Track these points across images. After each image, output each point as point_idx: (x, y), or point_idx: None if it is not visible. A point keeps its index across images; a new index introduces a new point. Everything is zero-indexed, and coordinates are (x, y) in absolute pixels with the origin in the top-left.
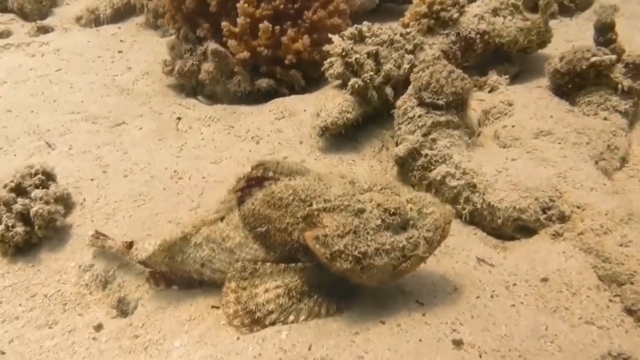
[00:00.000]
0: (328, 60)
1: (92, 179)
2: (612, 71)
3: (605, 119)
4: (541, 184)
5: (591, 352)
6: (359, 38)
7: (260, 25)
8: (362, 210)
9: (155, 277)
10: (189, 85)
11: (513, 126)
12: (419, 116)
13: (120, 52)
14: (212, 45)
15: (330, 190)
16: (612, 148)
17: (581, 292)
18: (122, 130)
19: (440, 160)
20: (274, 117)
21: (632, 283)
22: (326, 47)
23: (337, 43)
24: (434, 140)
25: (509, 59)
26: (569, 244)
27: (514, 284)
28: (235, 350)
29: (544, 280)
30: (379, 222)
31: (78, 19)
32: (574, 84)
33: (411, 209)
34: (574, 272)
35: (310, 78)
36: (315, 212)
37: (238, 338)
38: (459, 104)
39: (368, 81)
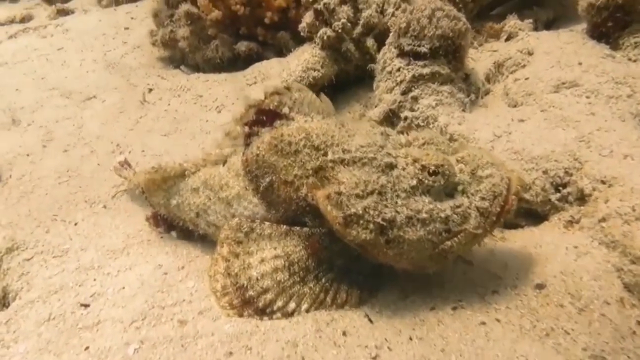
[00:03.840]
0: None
1: (28, 154)
2: None
3: None
4: (555, 151)
5: None
6: None
7: None
8: (391, 166)
9: (156, 218)
10: (177, 56)
11: (527, 79)
12: (398, 69)
13: (126, 28)
14: (184, 6)
15: (352, 139)
16: None
17: (593, 309)
18: (89, 104)
19: (422, 124)
20: (245, 84)
21: None
22: None
23: None
24: (415, 99)
25: (540, 2)
26: (586, 234)
27: (494, 292)
28: None
29: (540, 287)
30: (414, 182)
31: (99, 0)
32: (615, 20)
33: (461, 170)
34: (587, 276)
35: (303, 40)
36: (330, 165)
37: (86, 348)
38: (449, 51)
39: (340, 30)
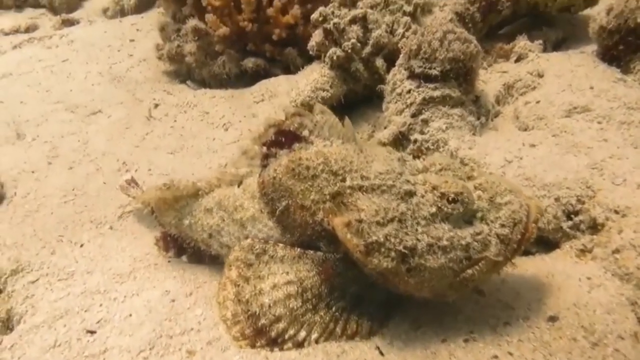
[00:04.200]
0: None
1: (33, 171)
2: None
3: None
4: (567, 178)
5: None
6: (350, 1)
7: None
8: (411, 193)
9: (166, 240)
10: (183, 70)
11: (538, 102)
12: (408, 91)
13: (132, 40)
14: (191, 22)
15: (371, 165)
16: None
17: (607, 343)
18: (94, 119)
19: (432, 148)
20: (252, 101)
21: None
22: None
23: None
24: (425, 122)
25: (549, 22)
26: (599, 265)
27: (506, 323)
28: None
29: (553, 319)
30: (433, 209)
31: (105, 11)
32: (626, 44)
33: (480, 196)
34: (600, 309)
35: (310, 56)
36: (348, 191)
37: None
38: (460, 74)
39: (350, 50)
